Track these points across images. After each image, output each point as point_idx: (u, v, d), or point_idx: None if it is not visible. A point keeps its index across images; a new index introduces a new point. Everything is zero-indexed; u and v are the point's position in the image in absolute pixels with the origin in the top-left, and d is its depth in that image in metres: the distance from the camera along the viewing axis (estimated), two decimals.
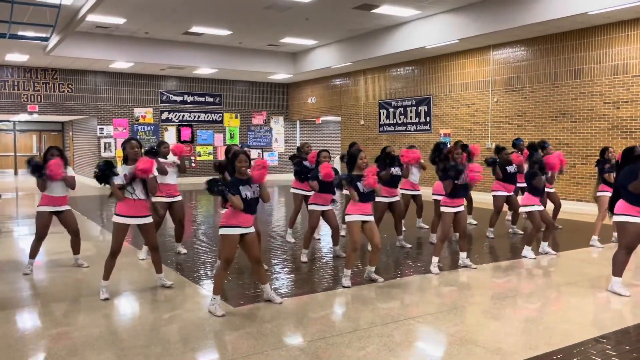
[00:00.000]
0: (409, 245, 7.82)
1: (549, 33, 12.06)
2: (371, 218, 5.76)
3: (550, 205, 8.96)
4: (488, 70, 13.75)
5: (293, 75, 19.13)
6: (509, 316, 4.81)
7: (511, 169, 8.42)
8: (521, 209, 7.37)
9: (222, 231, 4.84)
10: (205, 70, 18.03)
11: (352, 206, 5.71)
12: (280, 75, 19.33)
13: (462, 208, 6.49)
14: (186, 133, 19.94)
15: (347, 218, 5.72)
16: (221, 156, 20.30)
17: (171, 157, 7.13)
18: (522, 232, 8.95)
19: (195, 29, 14.50)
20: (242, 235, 4.87)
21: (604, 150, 7.94)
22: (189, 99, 19.99)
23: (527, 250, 7.23)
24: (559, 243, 8.40)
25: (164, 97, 19.56)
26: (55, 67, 17.63)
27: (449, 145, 9.59)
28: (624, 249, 5.35)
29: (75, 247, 6.66)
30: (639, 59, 10.58)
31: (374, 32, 14.86)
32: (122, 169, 5.31)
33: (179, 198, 7.22)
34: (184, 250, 7.48)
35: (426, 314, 4.83)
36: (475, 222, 9.91)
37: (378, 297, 5.39)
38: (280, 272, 6.42)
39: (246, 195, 4.80)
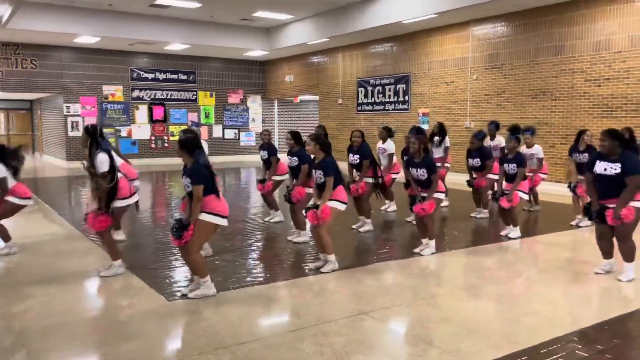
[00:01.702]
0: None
1: (530, 7, 11.55)
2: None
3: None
4: (467, 46, 13.24)
5: (269, 52, 18.44)
6: (472, 310, 4.40)
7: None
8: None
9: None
10: (176, 46, 17.26)
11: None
12: (256, 52, 18.63)
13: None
14: (158, 112, 19.21)
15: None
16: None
17: None
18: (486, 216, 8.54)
19: (161, 0, 13.74)
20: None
21: (580, 134, 7.52)
22: (161, 76, 19.21)
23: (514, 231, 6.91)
24: (536, 226, 8.04)
25: (135, 74, 18.76)
26: (17, 42, 16.72)
27: (426, 128, 9.27)
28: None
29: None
30: (622, 35, 10.15)
31: (350, 6, 14.23)
32: None
33: None
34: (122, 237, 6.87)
35: (381, 307, 4.39)
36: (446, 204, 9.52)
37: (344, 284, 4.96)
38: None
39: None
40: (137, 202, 5.78)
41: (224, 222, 4.59)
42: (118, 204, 5.31)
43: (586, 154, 7.30)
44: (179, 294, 4.68)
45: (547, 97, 11.51)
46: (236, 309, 4.33)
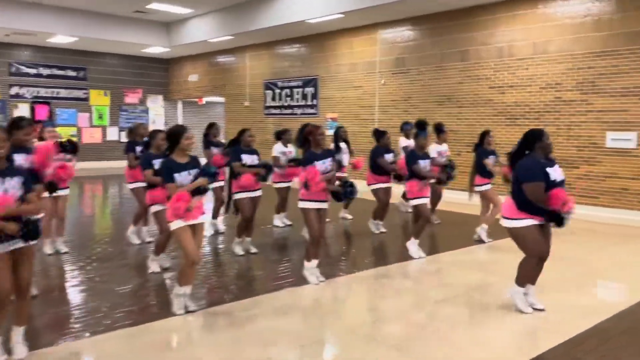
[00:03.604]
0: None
1: (436, 11, 11.22)
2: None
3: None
4: (375, 50, 12.75)
5: (170, 49, 17.06)
6: (362, 349, 3.62)
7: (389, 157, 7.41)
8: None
9: None
10: (62, 38, 15.44)
11: None
12: (156, 48, 17.17)
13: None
14: (42, 111, 17.17)
15: None
16: (87, 139, 17.86)
17: None
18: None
19: None
20: None
21: (484, 134, 7.10)
22: (46, 71, 17.20)
23: (414, 246, 6.26)
24: (438, 241, 7.52)
25: (14, 69, 16.63)
26: None
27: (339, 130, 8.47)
28: (532, 257, 4.37)
29: None
30: (525, 42, 10.01)
31: (254, 2, 13.31)
32: None
33: None
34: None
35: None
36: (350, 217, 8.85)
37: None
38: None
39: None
40: None
41: None
42: None
43: (493, 156, 6.99)
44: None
45: (453, 103, 11.22)
46: None
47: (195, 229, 4.30)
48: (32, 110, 16.93)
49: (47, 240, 6.21)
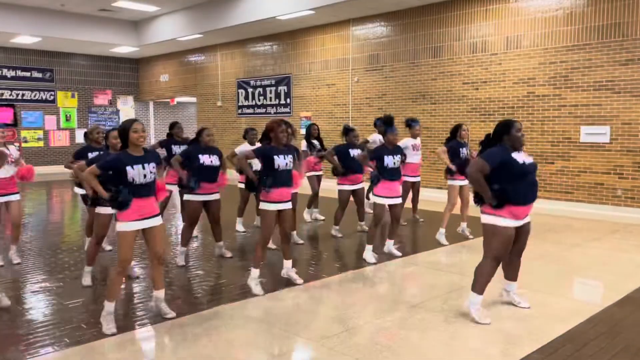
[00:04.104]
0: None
1: (408, 6, 11.04)
2: None
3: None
4: (348, 47, 12.52)
5: (139, 48, 16.59)
6: None
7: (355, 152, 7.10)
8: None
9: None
10: (25, 38, 14.89)
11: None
12: (124, 48, 16.69)
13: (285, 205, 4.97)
14: (6, 114, 16.54)
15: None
16: (55, 142, 17.30)
17: None
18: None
19: None
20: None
21: (457, 128, 6.87)
22: (10, 73, 16.56)
23: (368, 252, 5.98)
24: (417, 241, 7.32)
25: None
26: None
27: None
28: (491, 259, 4.14)
29: None
30: (497, 36, 9.88)
31: None
32: None
33: None
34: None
35: None
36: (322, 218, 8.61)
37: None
38: None
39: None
40: None
41: None
42: None
43: (464, 148, 6.74)
44: None
45: (427, 100, 11.05)
46: None
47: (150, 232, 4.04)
48: None
49: None
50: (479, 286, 4.15)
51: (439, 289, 5.04)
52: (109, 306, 3.95)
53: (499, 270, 4.34)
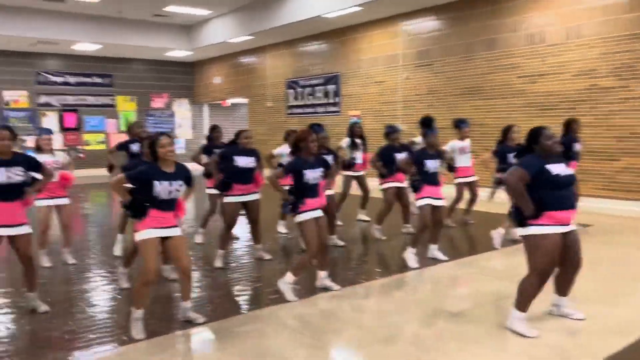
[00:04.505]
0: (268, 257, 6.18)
1: None
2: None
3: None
4: (397, 43, 12.20)
5: (192, 52, 16.95)
6: None
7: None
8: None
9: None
10: (86, 45, 15.55)
11: None
12: (179, 52, 17.10)
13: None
14: (71, 119, 17.36)
15: None
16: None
17: None
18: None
19: None
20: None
21: (507, 130, 6.48)
22: (72, 79, 17.37)
23: (409, 255, 5.72)
24: (468, 244, 6.97)
25: (41, 78, 16.87)
26: None
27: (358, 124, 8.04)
28: (536, 274, 3.76)
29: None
30: (556, 27, 9.29)
31: (270, 0, 13.00)
32: None
33: None
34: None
35: None
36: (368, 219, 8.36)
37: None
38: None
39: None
40: None
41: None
42: None
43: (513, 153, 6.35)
44: None
45: (480, 95, 10.57)
46: None
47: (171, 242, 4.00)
48: (61, 118, 17.14)
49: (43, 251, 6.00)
50: (522, 303, 3.83)
51: (484, 297, 4.73)
52: (137, 313, 3.93)
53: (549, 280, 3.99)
